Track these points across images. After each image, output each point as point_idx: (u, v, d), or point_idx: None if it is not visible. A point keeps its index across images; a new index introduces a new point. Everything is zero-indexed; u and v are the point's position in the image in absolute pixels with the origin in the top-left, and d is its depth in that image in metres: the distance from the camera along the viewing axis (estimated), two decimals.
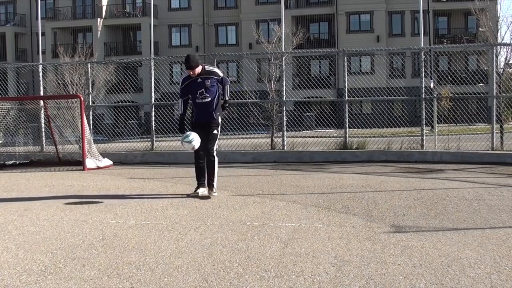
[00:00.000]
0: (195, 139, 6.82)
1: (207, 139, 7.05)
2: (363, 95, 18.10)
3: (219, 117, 7.20)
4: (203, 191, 7.15)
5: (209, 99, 7.03)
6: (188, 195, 7.15)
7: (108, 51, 39.25)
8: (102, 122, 18.28)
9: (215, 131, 7.14)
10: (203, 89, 7.01)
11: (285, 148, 12.47)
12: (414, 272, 3.71)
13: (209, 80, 7.03)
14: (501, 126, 12.42)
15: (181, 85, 7.17)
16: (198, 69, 6.98)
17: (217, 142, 7.31)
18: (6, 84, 17.17)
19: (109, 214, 6.00)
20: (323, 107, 32.10)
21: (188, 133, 6.92)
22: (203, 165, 7.17)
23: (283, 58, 13.22)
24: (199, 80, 7.01)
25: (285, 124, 12.54)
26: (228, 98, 7.26)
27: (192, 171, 9.07)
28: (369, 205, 6.18)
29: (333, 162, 11.38)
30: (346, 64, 12.53)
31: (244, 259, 4.11)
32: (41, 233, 5.13)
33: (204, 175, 7.19)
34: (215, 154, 7.14)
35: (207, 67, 7.16)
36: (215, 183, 7.14)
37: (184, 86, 7.14)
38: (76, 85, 19.04)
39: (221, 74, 7.19)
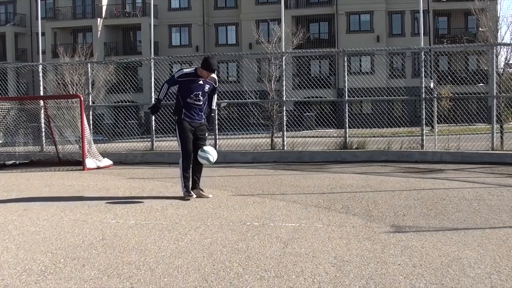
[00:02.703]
0: (212, 154, 6.84)
1: (201, 140, 7.06)
2: (363, 95, 18.11)
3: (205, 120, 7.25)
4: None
5: (201, 102, 6.97)
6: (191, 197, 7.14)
7: (108, 51, 39.25)
8: (102, 122, 18.28)
9: (206, 133, 7.24)
10: (200, 92, 6.91)
11: (285, 148, 12.46)
12: (414, 272, 3.71)
13: (208, 86, 6.99)
14: (501, 126, 12.42)
15: (179, 77, 6.89)
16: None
17: None
18: (6, 84, 17.18)
19: (109, 214, 6.00)
20: (323, 107, 32.10)
21: (207, 150, 6.85)
22: None
23: (283, 58, 13.21)
24: (201, 82, 6.91)
25: (285, 124, 12.54)
26: (215, 107, 7.32)
27: None
28: (369, 205, 6.18)
29: (333, 162, 11.38)
30: (346, 64, 12.52)
31: (244, 259, 4.11)
32: (41, 233, 5.13)
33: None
34: None
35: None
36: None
37: (182, 80, 6.87)
38: (76, 85, 19.06)
39: (217, 83, 7.19)
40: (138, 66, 32.51)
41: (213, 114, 7.28)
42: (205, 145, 7.09)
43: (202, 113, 7.06)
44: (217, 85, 7.17)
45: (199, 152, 6.84)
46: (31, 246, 4.65)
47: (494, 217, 5.46)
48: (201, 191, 7.06)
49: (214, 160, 6.91)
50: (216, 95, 7.24)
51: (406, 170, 9.81)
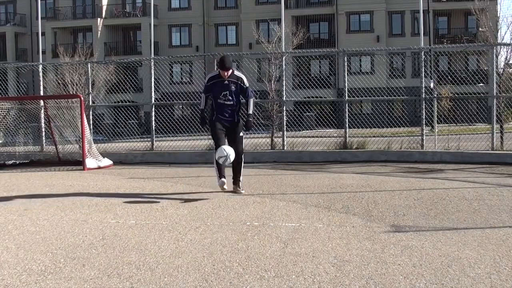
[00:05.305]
0: (230, 154, 6.93)
1: (236, 142, 7.30)
2: (363, 95, 18.09)
3: (240, 120, 7.43)
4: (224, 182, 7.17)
5: (231, 102, 7.25)
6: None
7: (108, 51, 39.24)
8: (102, 122, 18.29)
9: (241, 133, 7.46)
10: (227, 92, 7.20)
11: (285, 148, 12.46)
12: (414, 272, 3.71)
13: (234, 85, 7.23)
14: (501, 126, 12.42)
15: (207, 82, 7.34)
16: (230, 71, 7.17)
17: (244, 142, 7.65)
18: (6, 84, 17.17)
19: (109, 214, 6.00)
20: (323, 107, 32.09)
21: (221, 149, 6.93)
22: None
23: (283, 58, 13.21)
24: (226, 82, 7.19)
25: (285, 124, 12.54)
26: (251, 112, 7.41)
27: (192, 171, 9.09)
28: (369, 205, 6.18)
29: (333, 162, 11.38)
30: (346, 64, 12.53)
31: (244, 259, 4.11)
32: (41, 233, 5.13)
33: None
34: (243, 155, 7.48)
35: (236, 72, 7.32)
36: (241, 181, 7.45)
37: (210, 84, 7.27)
38: (76, 85, 19.02)
39: (247, 84, 7.33)
40: (138, 66, 32.51)
41: (250, 119, 7.43)
42: (238, 146, 7.29)
43: (235, 114, 7.33)
44: (246, 85, 7.28)
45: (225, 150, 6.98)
46: (31, 246, 4.65)
47: (494, 217, 5.46)
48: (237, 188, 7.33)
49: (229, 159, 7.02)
50: (252, 100, 7.34)
51: (406, 170, 9.81)
